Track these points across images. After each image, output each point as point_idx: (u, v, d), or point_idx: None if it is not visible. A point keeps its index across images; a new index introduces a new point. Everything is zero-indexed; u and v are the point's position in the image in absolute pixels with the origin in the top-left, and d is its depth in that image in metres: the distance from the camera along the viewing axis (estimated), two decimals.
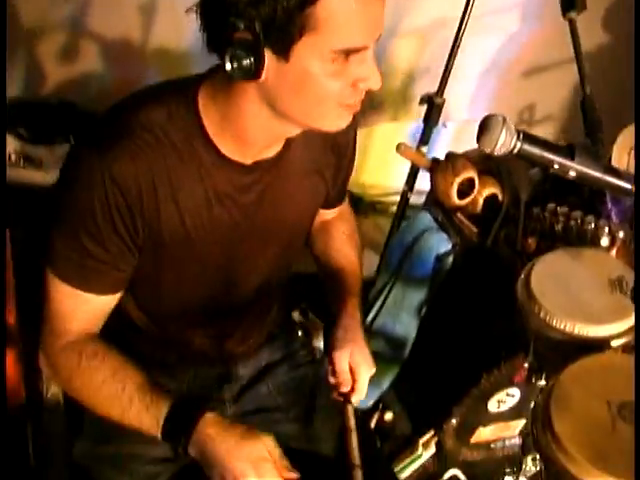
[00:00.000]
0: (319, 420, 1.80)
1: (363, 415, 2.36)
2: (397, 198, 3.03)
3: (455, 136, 3.40)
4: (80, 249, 1.39)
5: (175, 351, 1.71)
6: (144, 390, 1.44)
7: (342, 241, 1.85)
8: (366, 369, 1.66)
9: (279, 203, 1.55)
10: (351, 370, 1.65)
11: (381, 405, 2.37)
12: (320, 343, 1.95)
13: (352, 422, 1.62)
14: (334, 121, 1.36)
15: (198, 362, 1.75)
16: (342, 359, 1.64)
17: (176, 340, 1.68)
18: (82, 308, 1.46)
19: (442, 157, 2.18)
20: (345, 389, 1.66)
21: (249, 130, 1.38)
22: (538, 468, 1.84)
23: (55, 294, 1.45)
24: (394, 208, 3.36)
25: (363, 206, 3.57)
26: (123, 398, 1.44)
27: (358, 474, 1.52)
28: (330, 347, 1.67)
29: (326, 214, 1.82)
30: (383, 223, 3.37)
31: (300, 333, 2.02)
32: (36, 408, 1.68)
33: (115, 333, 1.53)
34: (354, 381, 1.65)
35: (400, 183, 2.86)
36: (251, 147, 1.43)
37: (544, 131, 3.42)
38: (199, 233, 1.47)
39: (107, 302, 1.48)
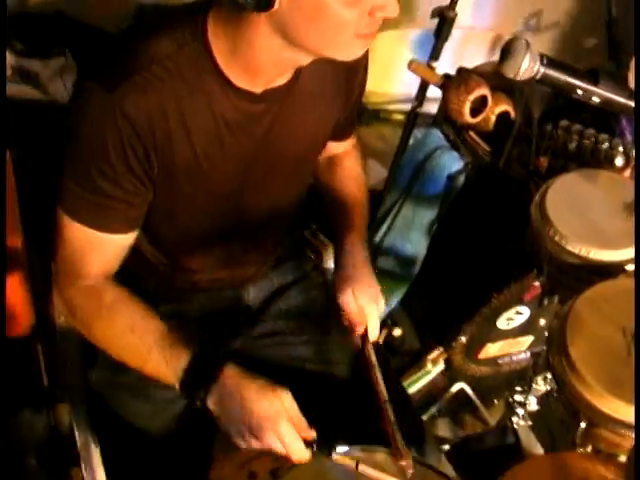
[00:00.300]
0: (332, 342, 1.80)
1: None
2: (400, 106, 2.98)
3: (460, 44, 3.32)
4: (94, 188, 1.36)
5: (187, 280, 1.70)
6: (163, 342, 1.43)
7: (348, 177, 1.82)
8: (373, 308, 1.64)
9: (290, 132, 1.51)
10: (360, 310, 1.64)
11: (390, 321, 2.39)
12: (331, 264, 1.95)
13: (374, 359, 1.62)
14: (350, 50, 1.32)
15: (210, 289, 1.74)
16: (349, 302, 1.63)
17: (188, 269, 1.67)
18: (98, 249, 1.44)
19: (448, 68, 2.13)
20: (359, 330, 1.64)
21: (260, 60, 1.34)
22: (549, 387, 1.85)
23: (69, 235, 1.42)
24: (397, 116, 3.32)
25: (366, 115, 3.52)
26: (142, 349, 1.43)
27: (388, 409, 1.52)
28: (335, 290, 1.66)
29: (335, 148, 1.78)
30: (386, 132, 3.34)
31: (311, 255, 2.01)
32: (48, 332, 1.68)
33: (125, 267, 1.52)
34: (364, 320, 1.64)
35: (402, 90, 2.80)
36: (261, 76, 1.39)
37: (551, 38, 3.33)
38: (211, 163, 1.44)
39: (123, 241, 1.46)
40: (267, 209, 1.64)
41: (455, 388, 2.42)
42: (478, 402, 2.45)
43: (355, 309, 1.63)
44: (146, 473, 1.60)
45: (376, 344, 1.97)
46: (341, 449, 1.48)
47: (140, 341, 1.43)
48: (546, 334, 1.63)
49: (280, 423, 1.36)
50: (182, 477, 1.61)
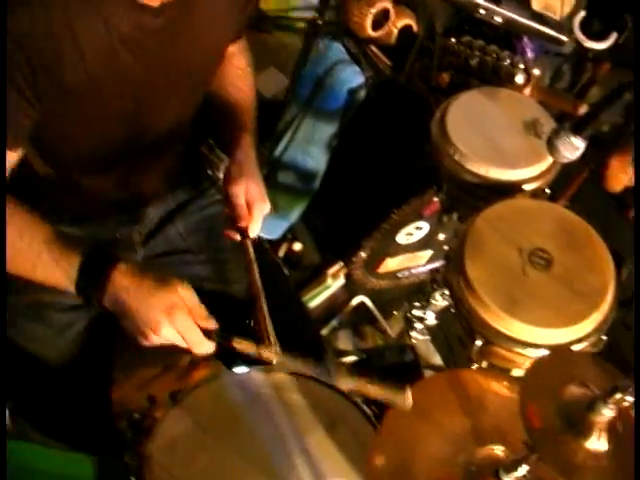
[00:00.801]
0: (230, 261, 1.78)
1: (272, 245, 2.37)
2: (302, 14, 2.90)
3: None
4: None
5: (83, 199, 1.64)
6: (52, 244, 1.37)
7: (237, 76, 1.78)
8: (261, 204, 1.64)
9: (188, 45, 1.45)
10: (247, 205, 1.63)
11: (290, 236, 2.37)
12: None
13: (252, 255, 1.61)
14: None
15: (106, 208, 1.68)
16: (239, 193, 1.62)
17: (84, 188, 1.61)
18: None
19: None
20: (244, 224, 1.63)
21: None
22: (447, 303, 1.88)
23: None
24: (299, 24, 3.24)
25: (266, 23, 3.43)
26: (31, 254, 1.37)
27: (262, 305, 1.51)
28: (225, 182, 1.65)
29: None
30: (288, 41, 3.25)
31: (208, 171, 1.96)
32: None
33: (21, 187, 1.44)
34: (250, 216, 1.63)
35: None
36: None
37: None
38: (105, 79, 1.37)
39: (7, 159, 1.39)
40: (165, 128, 1.59)
41: (355, 301, 2.44)
42: (378, 314, 2.48)
43: (243, 202, 1.62)
44: (47, 398, 1.58)
45: (273, 260, 1.98)
46: (240, 369, 1.48)
47: (29, 247, 1.37)
48: (445, 249, 1.64)
49: (176, 314, 1.33)
50: (83, 399, 1.58)
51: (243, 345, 1.42)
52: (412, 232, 2.16)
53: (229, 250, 1.77)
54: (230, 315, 1.67)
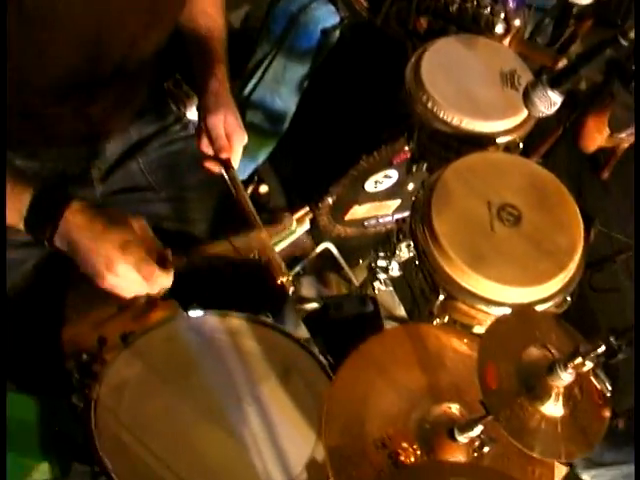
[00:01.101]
0: (192, 200, 1.74)
1: None
2: None
3: None
4: None
5: (40, 129, 1.57)
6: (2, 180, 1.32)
7: (207, 2, 1.73)
8: (240, 135, 1.63)
9: None
10: (226, 136, 1.61)
11: (256, 177, 2.32)
12: (194, 116, 1.85)
13: (241, 185, 1.59)
14: None
15: (64, 140, 1.62)
16: (218, 124, 1.60)
17: (41, 117, 1.54)
18: None
19: None
20: (225, 155, 1.62)
21: None
22: (411, 254, 1.84)
23: None
24: None
25: None
26: None
27: (263, 233, 1.54)
28: (203, 114, 1.63)
29: None
30: None
31: (173, 106, 1.90)
32: None
33: None
34: (230, 147, 1.61)
35: None
36: None
37: None
38: (66, 3, 1.30)
39: None
40: (127, 58, 1.52)
41: (320, 248, 2.40)
42: (343, 262, 2.44)
43: (222, 133, 1.60)
44: None
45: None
46: (195, 313, 1.44)
47: None
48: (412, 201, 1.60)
49: (129, 249, 1.31)
50: (33, 338, 1.55)
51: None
52: (381, 180, 2.12)
53: (192, 189, 1.74)
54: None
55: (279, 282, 1.46)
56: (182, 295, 1.50)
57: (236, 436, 1.34)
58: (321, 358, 1.46)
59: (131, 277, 1.32)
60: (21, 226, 1.32)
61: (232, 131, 1.61)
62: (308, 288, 2.45)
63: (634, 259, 1.72)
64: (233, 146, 1.62)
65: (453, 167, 1.54)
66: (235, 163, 1.63)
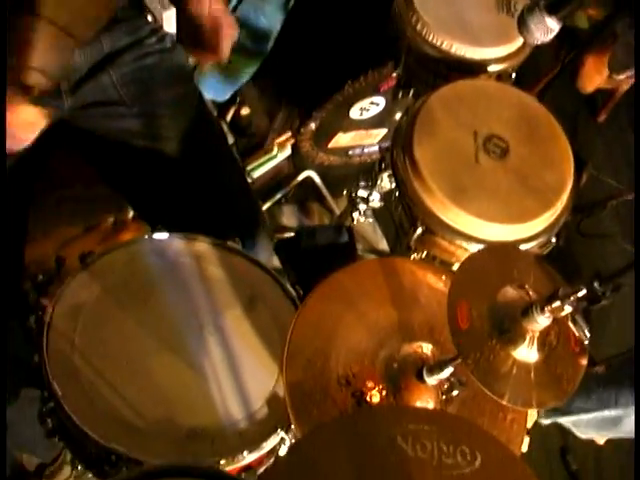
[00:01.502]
0: (165, 117, 1.65)
1: (219, 108, 2.22)
2: None
3: None
4: None
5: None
6: None
7: None
8: (228, 20, 1.52)
9: None
10: (213, 27, 1.51)
11: (238, 99, 2.22)
12: (172, 29, 1.75)
13: None
14: None
15: None
16: (203, 10, 1.50)
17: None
18: None
19: None
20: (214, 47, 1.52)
21: None
22: (393, 185, 1.76)
23: None
24: None
25: None
26: None
27: None
28: (186, 4, 1.52)
29: None
30: None
31: (149, 17, 1.78)
32: None
33: None
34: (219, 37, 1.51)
35: None
36: None
37: None
38: None
39: None
40: None
41: (302, 176, 2.32)
42: (325, 191, 2.37)
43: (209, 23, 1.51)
44: None
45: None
46: (160, 235, 1.37)
47: None
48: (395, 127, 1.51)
49: None
50: None
51: None
52: (367, 107, 2.03)
53: (165, 105, 1.64)
54: (159, 173, 1.57)
55: None
56: (151, 218, 1.42)
57: (195, 366, 1.28)
58: (290, 289, 1.39)
59: None
60: None
61: (219, 18, 1.50)
62: (289, 217, 2.38)
63: (634, 251, 1.65)
64: (221, 34, 1.50)
65: (439, 94, 1.46)
66: (226, 52, 1.53)
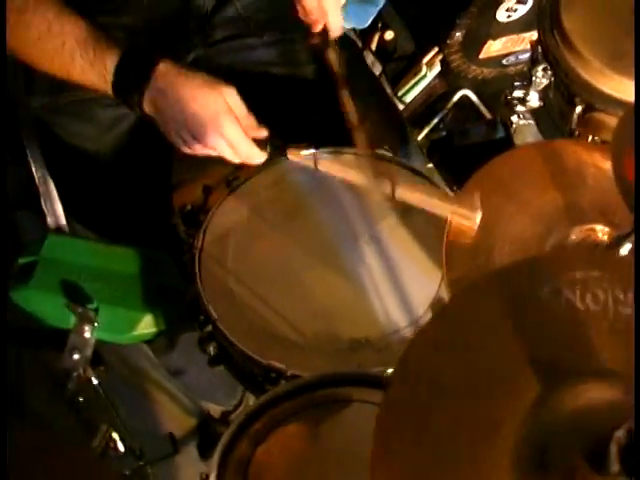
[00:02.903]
0: (297, 42, 1.60)
1: (362, 37, 2.15)
2: None
3: None
4: None
5: None
6: (86, 43, 1.26)
7: None
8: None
9: None
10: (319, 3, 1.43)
11: (380, 24, 2.13)
12: None
13: (338, 69, 1.42)
14: None
15: None
16: None
17: None
18: None
19: None
20: (318, 27, 1.45)
21: None
22: (549, 80, 1.62)
23: None
24: None
25: None
26: (64, 55, 1.26)
27: (360, 137, 1.34)
28: None
29: None
30: None
31: None
32: None
33: None
34: (325, 15, 1.44)
35: None
36: None
37: None
38: None
39: None
40: None
41: (458, 96, 2.20)
42: (484, 109, 2.24)
43: (314, 3, 1.43)
44: (99, 196, 1.49)
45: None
46: (304, 152, 1.32)
47: (61, 46, 1.26)
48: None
49: (223, 122, 1.23)
50: (142, 200, 1.48)
51: (298, 156, 1.30)
52: (514, 7, 1.89)
53: (295, 29, 1.58)
54: (302, 100, 1.54)
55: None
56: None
57: (353, 277, 1.23)
58: (446, 189, 1.31)
59: (223, 152, 1.26)
60: (109, 92, 1.27)
61: None
62: None
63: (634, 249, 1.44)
64: (327, 12, 1.43)
65: None
66: (335, 30, 1.45)
